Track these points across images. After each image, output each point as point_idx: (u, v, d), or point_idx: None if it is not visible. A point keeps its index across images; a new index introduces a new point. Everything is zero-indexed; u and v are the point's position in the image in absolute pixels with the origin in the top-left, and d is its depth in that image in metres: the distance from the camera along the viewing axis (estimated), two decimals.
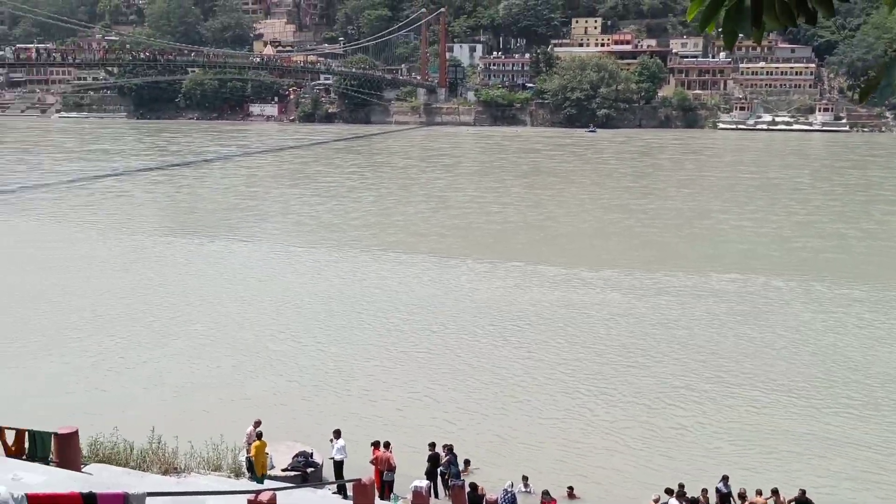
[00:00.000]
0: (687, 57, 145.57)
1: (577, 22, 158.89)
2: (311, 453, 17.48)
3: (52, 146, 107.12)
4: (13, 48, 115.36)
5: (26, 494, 6.56)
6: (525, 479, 17.20)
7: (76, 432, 13.23)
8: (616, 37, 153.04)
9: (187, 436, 15.60)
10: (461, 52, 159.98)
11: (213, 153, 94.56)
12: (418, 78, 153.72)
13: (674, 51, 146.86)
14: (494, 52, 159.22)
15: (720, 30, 3.72)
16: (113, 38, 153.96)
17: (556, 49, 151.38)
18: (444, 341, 27.18)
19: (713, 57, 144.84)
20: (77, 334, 27.41)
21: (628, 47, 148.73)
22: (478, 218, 51.51)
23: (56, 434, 13.07)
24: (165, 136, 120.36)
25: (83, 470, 13.12)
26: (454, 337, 27.65)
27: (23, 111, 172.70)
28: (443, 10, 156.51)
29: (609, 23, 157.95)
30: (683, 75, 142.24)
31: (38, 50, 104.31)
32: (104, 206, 55.34)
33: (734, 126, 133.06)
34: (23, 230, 46.47)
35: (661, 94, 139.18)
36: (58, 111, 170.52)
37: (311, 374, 24.18)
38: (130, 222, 49.29)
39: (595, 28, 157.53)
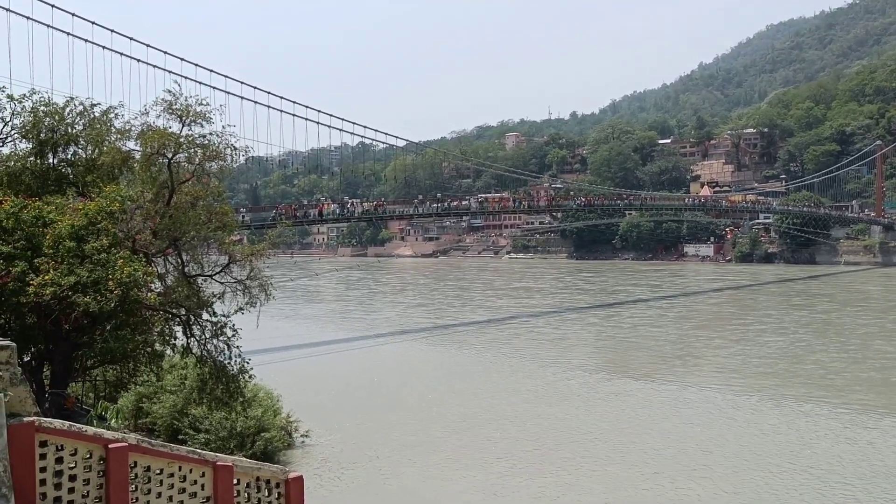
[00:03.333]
0: None
1: None
2: None
3: (483, 283, 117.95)
4: (476, 198, 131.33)
5: None
6: None
7: None
8: None
9: None
10: None
11: (625, 293, 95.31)
12: (872, 214, 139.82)
13: None
14: None
15: None
16: (558, 185, 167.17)
17: None
18: None
19: None
20: (480, 455, 28.50)
21: None
22: None
23: None
24: (583, 276, 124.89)
25: None
26: None
27: (479, 252, 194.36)
28: None
29: None
30: None
31: (501, 199, 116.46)
32: (515, 341, 58.64)
33: None
34: (451, 360, 51.09)
35: None
36: (508, 252, 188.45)
37: None
38: (537, 356, 51.41)
39: None
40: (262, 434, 26.24)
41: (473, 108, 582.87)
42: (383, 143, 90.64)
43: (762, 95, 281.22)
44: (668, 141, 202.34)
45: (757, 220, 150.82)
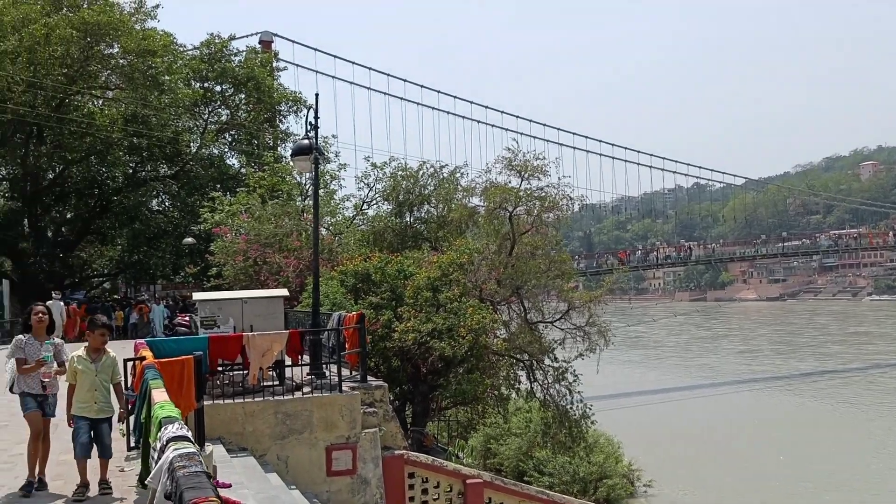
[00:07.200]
0: None
1: None
2: None
3: (815, 329, 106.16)
4: (827, 235, 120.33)
5: None
6: None
7: None
8: None
9: None
10: None
11: None
12: None
13: None
14: None
15: None
16: None
17: None
18: None
19: None
20: None
21: None
22: None
23: None
24: None
25: None
26: None
27: (833, 294, 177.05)
28: None
29: None
30: None
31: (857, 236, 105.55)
32: (847, 392, 52.40)
33: None
34: (786, 410, 47.19)
35: None
36: (869, 294, 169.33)
37: None
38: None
39: None
40: (605, 480, 26.22)
41: (819, 137, 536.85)
42: (720, 182, 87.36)
43: None
44: None
45: None
